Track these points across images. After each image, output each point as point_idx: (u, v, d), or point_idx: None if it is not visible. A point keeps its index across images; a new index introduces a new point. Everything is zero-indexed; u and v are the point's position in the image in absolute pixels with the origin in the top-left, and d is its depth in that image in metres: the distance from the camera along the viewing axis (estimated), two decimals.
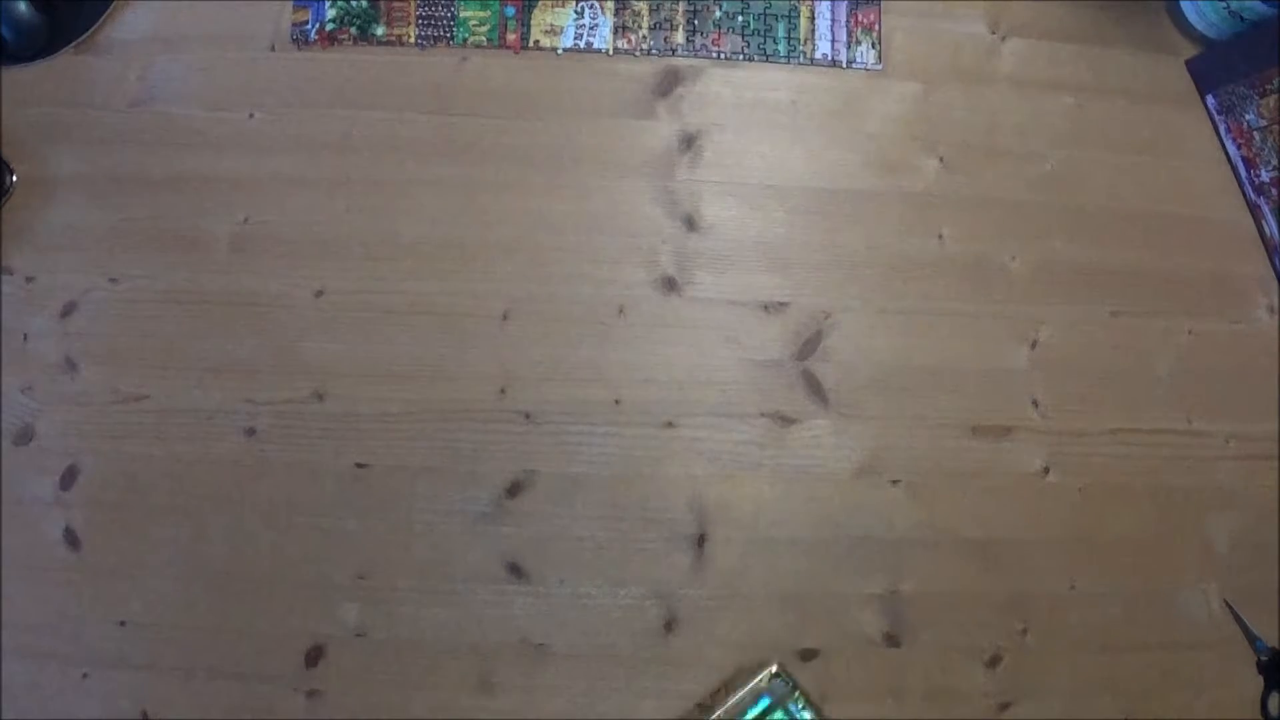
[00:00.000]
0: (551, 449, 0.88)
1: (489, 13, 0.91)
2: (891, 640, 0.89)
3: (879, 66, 0.93)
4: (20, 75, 0.88)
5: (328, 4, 0.90)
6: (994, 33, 0.94)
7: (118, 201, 0.89)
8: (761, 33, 0.93)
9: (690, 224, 0.91)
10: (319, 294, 0.89)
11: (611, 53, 0.92)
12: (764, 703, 0.81)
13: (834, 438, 0.89)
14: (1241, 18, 0.91)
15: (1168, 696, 0.91)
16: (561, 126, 0.91)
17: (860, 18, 0.93)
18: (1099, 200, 0.94)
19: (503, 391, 0.88)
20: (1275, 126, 0.91)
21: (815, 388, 0.90)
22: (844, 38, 0.93)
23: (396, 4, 0.91)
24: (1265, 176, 0.93)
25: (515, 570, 0.87)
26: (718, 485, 0.88)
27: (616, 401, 0.89)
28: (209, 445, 0.87)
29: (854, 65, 0.93)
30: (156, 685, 0.86)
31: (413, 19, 0.91)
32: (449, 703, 0.85)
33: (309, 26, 0.90)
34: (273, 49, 0.90)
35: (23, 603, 0.86)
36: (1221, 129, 0.94)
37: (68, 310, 0.88)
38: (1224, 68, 0.93)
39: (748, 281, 0.91)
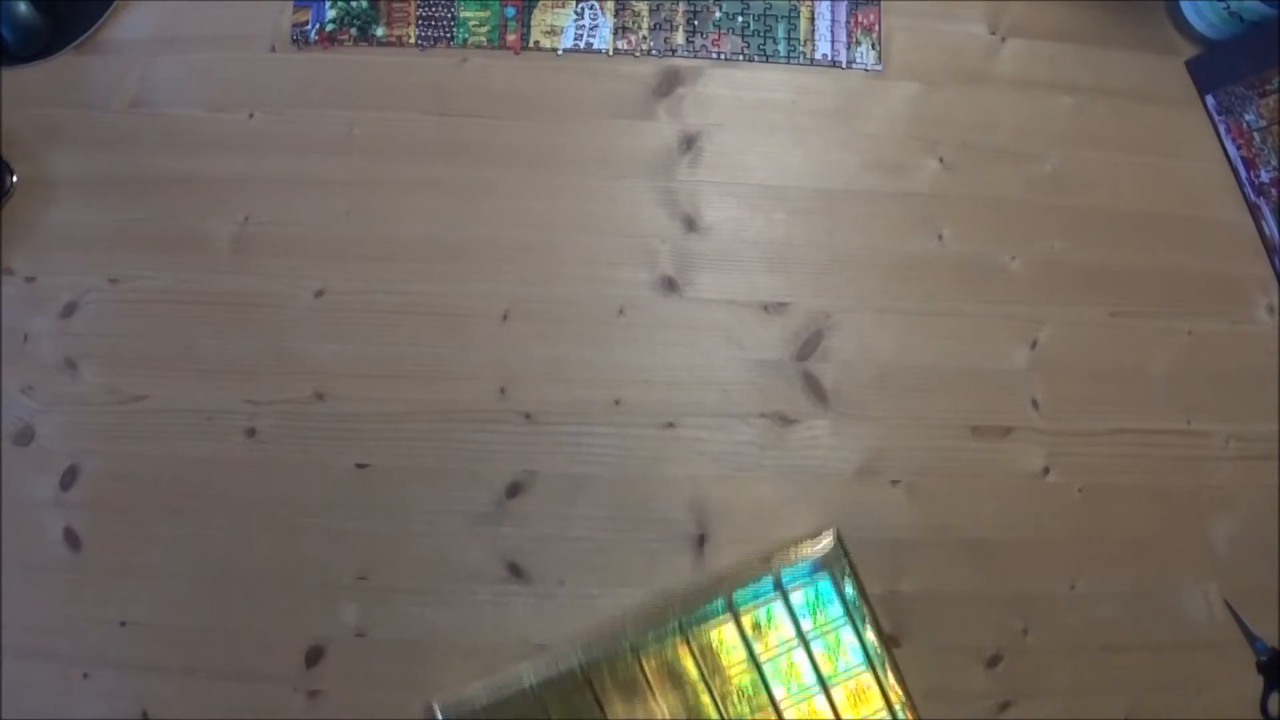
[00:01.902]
0: (551, 449, 0.88)
1: (489, 13, 0.91)
2: (891, 640, 0.89)
3: (879, 67, 0.93)
4: (20, 75, 0.88)
5: (328, 4, 0.90)
6: (994, 33, 0.94)
7: (118, 201, 0.89)
8: (761, 33, 0.93)
9: (690, 224, 0.91)
10: (319, 294, 0.89)
11: (611, 53, 0.92)
12: (811, 569, 0.85)
13: (834, 438, 0.90)
14: (1241, 18, 0.91)
15: (1168, 696, 0.91)
16: (561, 127, 0.91)
17: (860, 18, 0.93)
18: (1099, 200, 0.94)
19: (503, 391, 0.88)
20: (1275, 127, 0.91)
21: (815, 388, 0.90)
22: (844, 38, 0.93)
23: (396, 4, 0.91)
24: (1265, 177, 0.93)
25: (515, 570, 0.87)
26: (718, 485, 0.88)
27: (616, 402, 0.89)
28: (209, 445, 0.87)
29: (854, 65, 0.93)
30: (156, 685, 0.86)
31: (413, 19, 0.91)
32: None
33: (309, 27, 0.90)
34: (273, 49, 0.90)
35: (23, 603, 0.86)
36: (1221, 129, 0.94)
37: (68, 310, 0.88)
38: (1224, 68, 0.93)
39: (748, 282, 0.91)
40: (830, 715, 0.82)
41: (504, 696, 0.82)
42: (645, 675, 0.82)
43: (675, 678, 0.82)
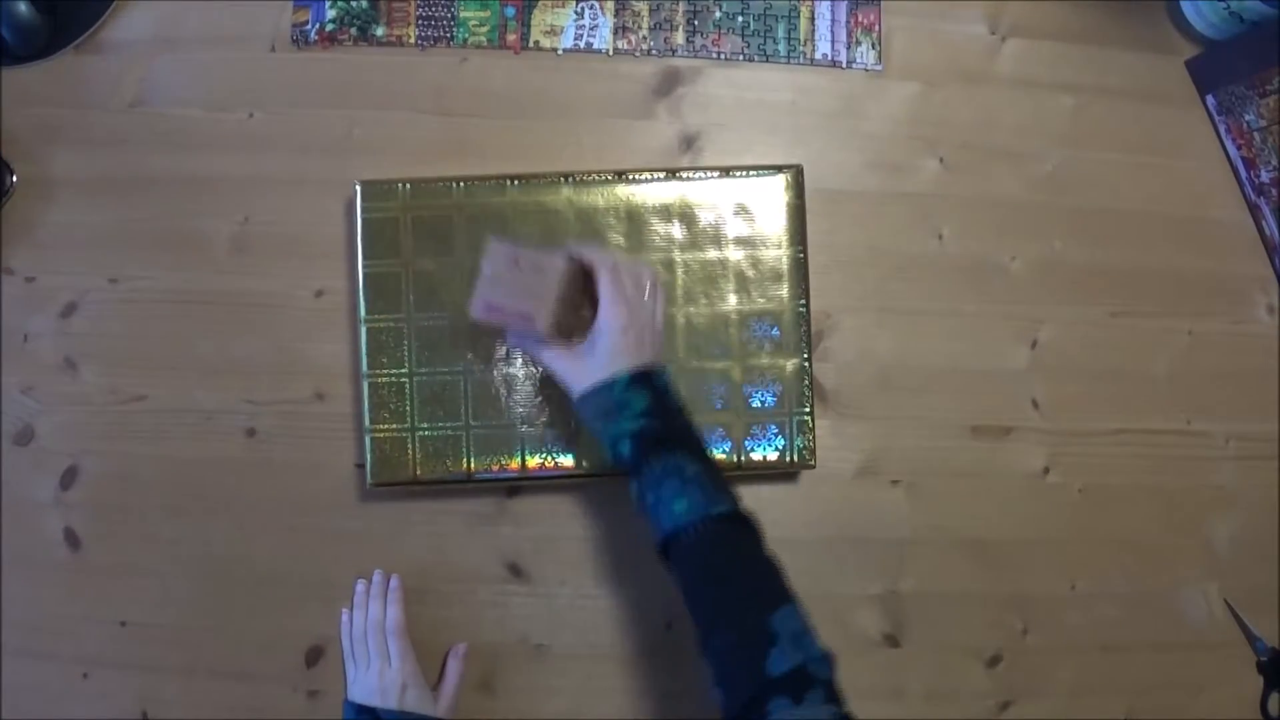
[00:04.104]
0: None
1: (489, 13, 0.91)
2: (891, 640, 0.89)
3: (879, 67, 0.93)
4: (20, 75, 0.88)
5: (328, 4, 0.90)
6: (994, 33, 0.94)
7: (118, 201, 0.89)
8: (761, 33, 0.93)
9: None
10: (319, 294, 0.89)
11: (611, 53, 0.92)
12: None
13: (834, 438, 0.89)
14: (1241, 18, 0.91)
15: (1168, 696, 0.91)
16: (561, 127, 0.91)
17: (860, 18, 0.93)
18: (1099, 200, 0.94)
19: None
20: (1275, 127, 0.91)
21: (815, 388, 0.90)
22: (844, 38, 0.93)
23: (396, 4, 0.91)
24: (1265, 176, 0.93)
25: (515, 570, 0.87)
26: None
27: None
28: (209, 445, 0.87)
29: (854, 65, 0.93)
30: (156, 685, 0.86)
31: (413, 19, 0.91)
32: None
33: (309, 26, 0.90)
34: (273, 49, 0.90)
35: (23, 603, 0.86)
36: (1221, 129, 0.94)
37: (68, 310, 0.88)
38: (1224, 68, 0.93)
39: None
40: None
41: (425, 186, 0.85)
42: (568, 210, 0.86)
43: (592, 223, 0.86)
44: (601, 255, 0.74)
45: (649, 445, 0.68)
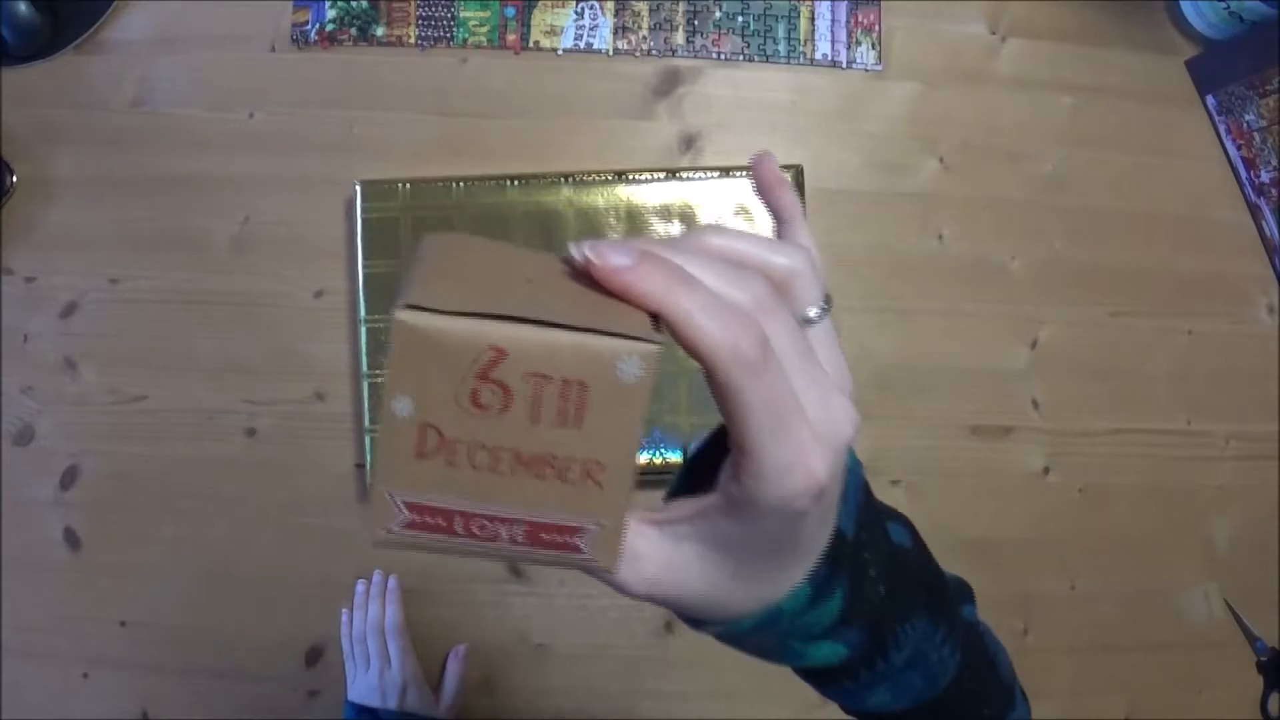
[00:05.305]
0: None
1: (489, 13, 0.91)
2: None
3: (879, 67, 0.93)
4: (20, 75, 0.88)
5: (328, 4, 0.90)
6: (994, 33, 0.94)
7: (118, 201, 0.89)
8: (761, 33, 0.93)
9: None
10: (319, 294, 0.89)
11: (611, 53, 0.92)
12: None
13: None
14: (1241, 18, 0.91)
15: (1168, 696, 0.91)
16: (561, 127, 0.91)
17: (860, 18, 0.93)
18: (1099, 200, 0.94)
19: None
20: (1275, 127, 0.91)
21: None
22: (844, 38, 0.93)
23: (396, 4, 0.91)
24: (1265, 177, 0.93)
25: (515, 570, 0.87)
26: None
27: None
28: (209, 445, 0.87)
29: (854, 65, 0.93)
30: (156, 685, 0.86)
31: (413, 19, 0.91)
32: None
33: (309, 27, 0.90)
34: (273, 49, 0.90)
35: (23, 603, 0.86)
36: (1221, 129, 0.94)
37: (68, 310, 0.88)
38: (1224, 68, 0.93)
39: None
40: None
41: (425, 187, 0.85)
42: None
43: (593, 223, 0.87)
44: (709, 313, 0.25)
45: (848, 672, 0.37)
